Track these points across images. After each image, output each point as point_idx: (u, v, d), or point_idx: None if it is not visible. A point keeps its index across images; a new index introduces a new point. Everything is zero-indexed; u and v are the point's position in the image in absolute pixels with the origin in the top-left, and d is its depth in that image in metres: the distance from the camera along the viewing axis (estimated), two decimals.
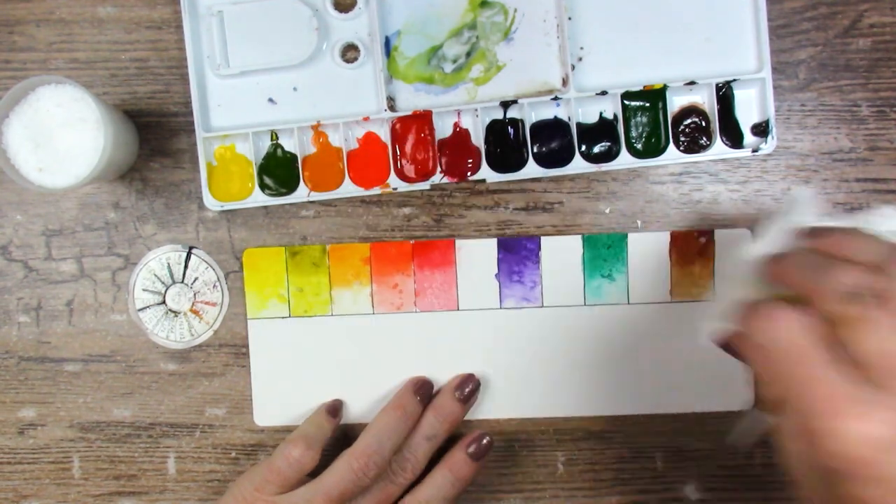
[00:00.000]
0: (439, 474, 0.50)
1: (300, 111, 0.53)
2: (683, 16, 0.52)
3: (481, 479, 0.54)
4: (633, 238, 0.53)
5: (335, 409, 0.53)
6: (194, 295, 0.54)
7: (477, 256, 0.53)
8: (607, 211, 0.53)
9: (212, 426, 0.54)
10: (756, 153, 0.52)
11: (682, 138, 0.52)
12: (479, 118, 0.52)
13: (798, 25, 0.52)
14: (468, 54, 0.53)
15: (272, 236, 0.54)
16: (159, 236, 0.54)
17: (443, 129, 0.53)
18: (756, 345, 0.37)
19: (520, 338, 0.53)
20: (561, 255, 0.53)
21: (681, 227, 0.53)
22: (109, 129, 0.47)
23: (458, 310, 0.53)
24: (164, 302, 0.54)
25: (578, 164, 0.52)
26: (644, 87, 0.51)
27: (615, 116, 0.52)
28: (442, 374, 0.53)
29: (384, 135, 0.53)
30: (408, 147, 0.53)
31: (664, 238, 0.53)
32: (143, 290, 0.54)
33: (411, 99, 0.53)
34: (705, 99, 0.52)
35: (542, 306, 0.53)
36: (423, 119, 0.52)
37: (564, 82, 0.52)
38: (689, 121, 0.52)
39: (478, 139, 0.52)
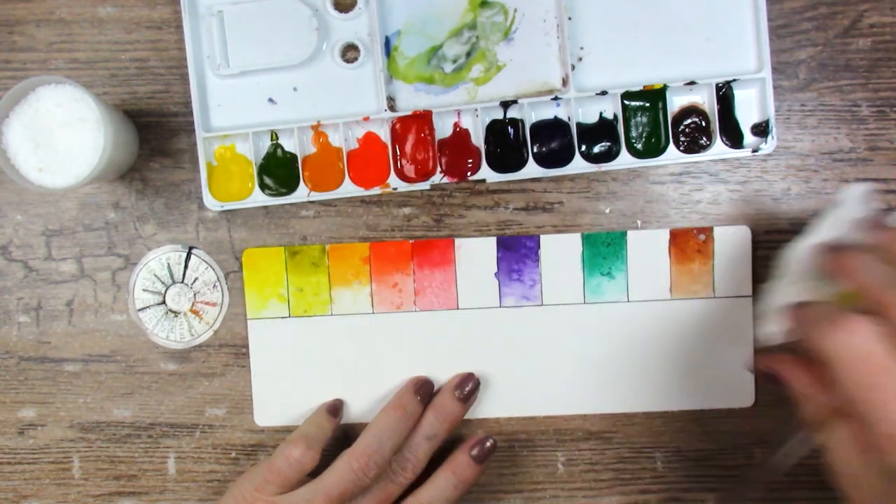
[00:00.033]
0: (442, 476, 0.50)
1: (300, 111, 0.53)
2: (683, 16, 0.52)
3: (481, 479, 0.54)
4: (632, 236, 0.53)
5: (335, 408, 0.53)
6: (194, 295, 0.54)
7: (476, 255, 0.53)
8: (607, 211, 0.53)
9: (212, 426, 0.54)
10: (756, 153, 0.52)
11: (682, 138, 0.52)
12: (479, 118, 0.52)
13: (798, 25, 0.52)
14: (468, 54, 0.53)
15: (272, 236, 0.54)
16: (159, 236, 0.54)
17: (443, 129, 0.53)
18: (824, 353, 0.37)
19: (519, 336, 0.53)
20: (560, 253, 0.53)
21: (680, 227, 0.53)
22: (109, 129, 0.47)
23: (457, 309, 0.53)
24: (164, 302, 0.54)
25: (578, 164, 0.52)
26: (644, 87, 0.51)
27: (615, 116, 0.52)
28: (442, 373, 0.53)
29: (384, 135, 0.53)
30: (408, 147, 0.53)
31: (664, 236, 0.53)
32: (143, 290, 0.54)
33: (411, 99, 0.53)
34: (705, 99, 0.52)
35: (542, 305, 0.53)
36: (423, 119, 0.52)
37: (564, 82, 0.52)
38: (689, 121, 0.52)
39: (478, 139, 0.52)
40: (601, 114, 0.52)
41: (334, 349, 0.54)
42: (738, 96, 0.52)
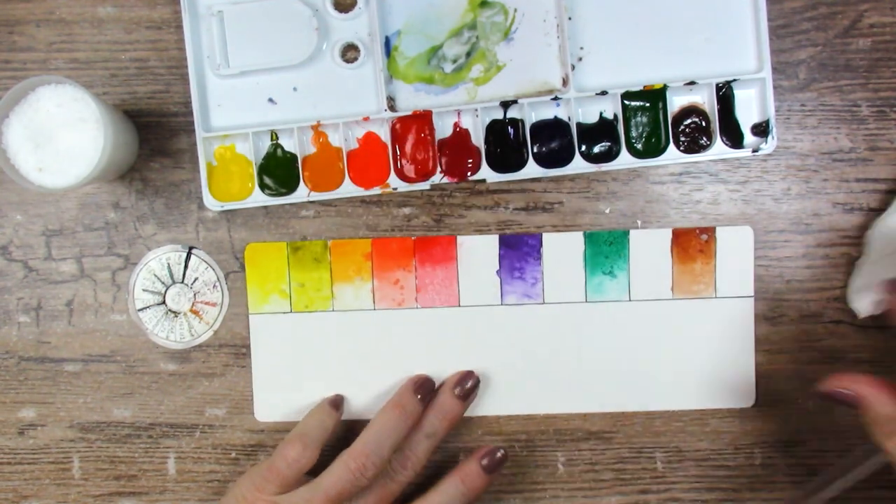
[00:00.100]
0: (451, 483, 0.50)
1: (300, 111, 0.53)
2: (683, 16, 0.52)
3: None
4: (634, 235, 0.53)
5: (337, 403, 0.53)
6: (194, 295, 0.54)
7: (478, 253, 0.53)
8: (607, 211, 0.53)
9: (212, 426, 0.54)
10: (756, 153, 0.52)
11: (682, 138, 0.52)
12: (479, 118, 0.52)
13: (798, 25, 0.52)
14: (468, 54, 0.53)
15: (272, 236, 0.54)
16: (159, 236, 0.54)
17: (443, 129, 0.53)
18: None
19: (521, 334, 0.53)
20: (562, 251, 0.53)
21: (681, 226, 0.53)
22: (109, 129, 0.47)
23: (459, 306, 0.53)
24: (164, 302, 0.54)
25: (578, 164, 0.52)
26: (644, 87, 0.51)
27: (615, 116, 0.52)
28: (443, 371, 0.53)
29: (384, 135, 0.53)
30: (408, 147, 0.53)
31: (666, 235, 0.53)
32: (143, 290, 0.54)
33: (411, 99, 0.53)
34: (705, 99, 0.52)
35: (544, 303, 0.53)
36: (423, 119, 0.52)
37: (564, 82, 0.52)
38: (689, 121, 0.52)
39: (478, 139, 0.52)
40: (601, 114, 0.52)
41: (335, 345, 0.54)
42: (738, 96, 0.52)
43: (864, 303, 0.51)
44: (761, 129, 0.52)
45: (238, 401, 0.54)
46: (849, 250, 0.53)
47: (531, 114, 0.52)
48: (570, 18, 0.52)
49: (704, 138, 0.52)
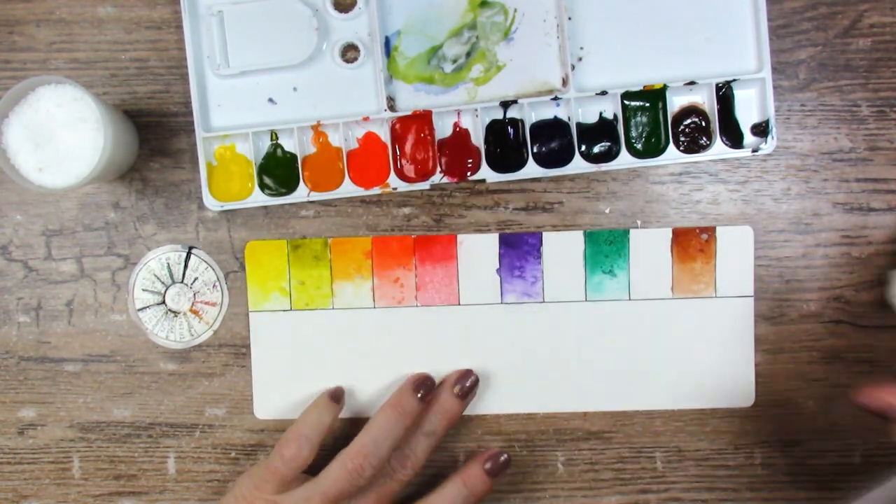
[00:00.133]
0: (453, 486, 0.50)
1: (300, 111, 0.53)
2: (683, 16, 0.52)
3: None
4: (634, 234, 0.53)
5: (338, 395, 0.53)
6: (194, 295, 0.54)
7: (478, 251, 0.53)
8: (607, 211, 0.53)
9: (212, 426, 0.54)
10: (756, 153, 0.52)
11: (682, 138, 0.52)
12: (479, 118, 0.52)
13: (798, 25, 0.52)
14: (468, 54, 0.53)
15: (272, 236, 0.54)
16: (159, 236, 0.54)
17: (443, 129, 0.53)
18: None
19: (520, 333, 0.53)
20: (562, 250, 0.53)
21: (681, 226, 0.53)
22: (109, 129, 0.47)
23: (458, 304, 0.53)
24: (163, 302, 0.54)
25: (578, 164, 0.52)
26: (644, 87, 0.51)
27: (615, 116, 0.52)
28: (442, 369, 0.53)
29: (384, 135, 0.53)
30: (408, 147, 0.53)
31: (666, 235, 0.53)
32: (143, 290, 0.54)
33: (411, 99, 0.53)
34: (705, 99, 0.52)
35: (544, 302, 0.53)
36: (422, 119, 0.52)
37: (564, 82, 0.52)
38: (689, 121, 0.52)
39: (478, 139, 0.52)
40: (601, 114, 0.52)
41: (335, 343, 0.54)
42: (738, 96, 0.52)
43: None
44: (761, 129, 0.52)
45: (238, 400, 0.54)
46: (849, 250, 0.53)
47: (531, 114, 0.52)
48: (570, 18, 0.52)
49: (704, 138, 0.52)
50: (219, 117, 0.53)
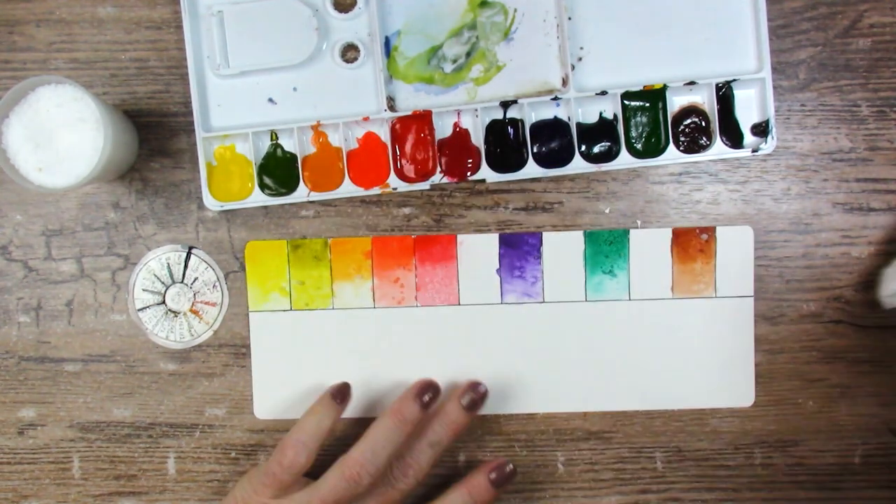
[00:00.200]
0: (457, 495, 0.50)
1: (300, 111, 0.53)
2: (683, 16, 0.52)
3: None
4: (634, 234, 0.53)
5: (342, 392, 0.51)
6: (194, 295, 0.54)
7: (478, 251, 0.53)
8: (607, 211, 0.53)
9: (212, 426, 0.54)
10: (756, 153, 0.52)
11: (682, 138, 0.52)
12: (479, 118, 0.52)
13: (798, 25, 0.52)
14: (468, 54, 0.53)
15: (272, 236, 0.54)
16: (159, 236, 0.54)
17: (443, 129, 0.53)
18: None
19: (520, 333, 0.53)
20: (562, 250, 0.53)
21: (681, 226, 0.53)
22: (109, 129, 0.47)
23: (458, 304, 0.53)
24: (163, 302, 0.54)
25: (578, 164, 0.52)
26: (644, 87, 0.51)
27: (615, 116, 0.52)
28: (442, 369, 0.53)
29: (384, 135, 0.53)
30: (408, 147, 0.53)
31: (666, 235, 0.53)
32: (143, 290, 0.54)
33: (411, 99, 0.53)
34: (705, 99, 0.52)
35: (543, 302, 0.53)
36: (422, 119, 0.52)
37: (564, 82, 0.52)
38: (689, 121, 0.52)
39: (478, 139, 0.52)
40: (601, 114, 0.52)
41: (335, 343, 0.54)
42: (738, 96, 0.52)
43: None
44: (761, 129, 0.52)
45: (238, 400, 0.54)
46: (849, 250, 0.53)
47: (531, 114, 0.52)
48: (570, 18, 0.52)
49: (704, 138, 0.52)
50: (219, 117, 0.53)
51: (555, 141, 0.52)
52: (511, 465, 0.51)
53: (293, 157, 0.53)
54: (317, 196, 0.53)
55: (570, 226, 0.53)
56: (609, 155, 0.52)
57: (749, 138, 0.52)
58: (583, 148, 0.52)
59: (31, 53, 0.54)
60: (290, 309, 0.54)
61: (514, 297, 0.53)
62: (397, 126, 0.52)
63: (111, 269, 0.54)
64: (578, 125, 0.52)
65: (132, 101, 0.54)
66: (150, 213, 0.54)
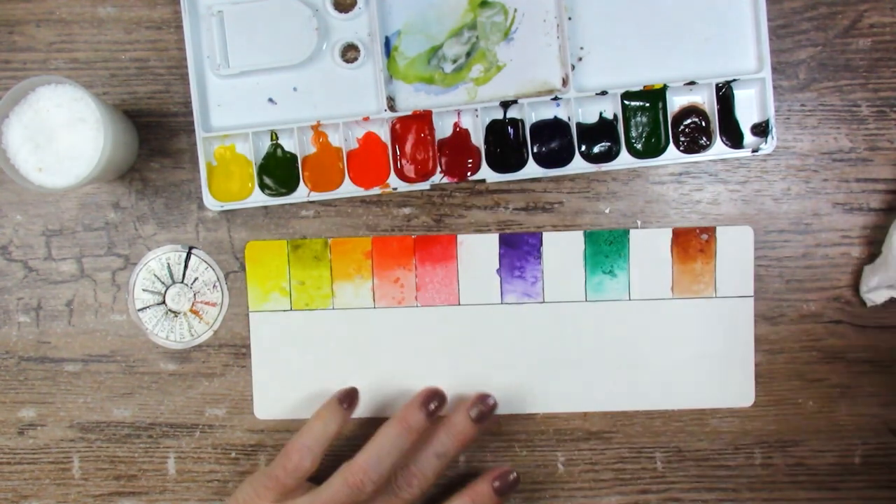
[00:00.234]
0: (460, 503, 0.50)
1: (300, 111, 0.53)
2: (683, 16, 0.52)
3: None
4: (634, 235, 0.53)
5: (350, 397, 0.51)
6: (194, 295, 0.54)
7: (478, 251, 0.53)
8: (607, 211, 0.53)
9: (212, 426, 0.54)
10: (756, 153, 0.52)
11: (682, 138, 0.52)
12: (479, 118, 0.52)
13: (798, 25, 0.52)
14: (468, 54, 0.53)
15: (272, 236, 0.54)
16: (159, 236, 0.54)
17: (443, 129, 0.53)
18: None
19: (520, 333, 0.53)
20: (562, 250, 0.53)
21: (681, 226, 0.53)
22: (109, 129, 0.47)
23: (458, 305, 0.53)
24: (164, 302, 0.54)
25: (578, 164, 0.52)
26: (644, 87, 0.51)
27: (615, 116, 0.52)
28: (442, 369, 0.53)
29: (384, 135, 0.53)
30: (408, 147, 0.53)
31: (666, 235, 0.53)
32: (143, 290, 0.54)
33: (411, 99, 0.53)
34: (705, 99, 0.52)
35: (543, 302, 0.53)
36: (422, 119, 0.52)
37: (564, 82, 0.52)
38: (689, 121, 0.52)
39: (478, 139, 0.52)
40: (601, 114, 0.52)
41: (335, 343, 0.54)
42: (738, 96, 0.52)
43: (879, 298, 0.52)
44: (761, 129, 0.52)
45: (238, 400, 0.54)
46: (849, 250, 0.53)
47: (531, 114, 0.52)
48: (570, 18, 0.52)
49: (704, 138, 0.52)
50: (219, 117, 0.53)
51: (555, 141, 0.52)
52: (515, 474, 0.50)
53: (293, 157, 0.53)
54: (317, 196, 0.53)
55: (570, 226, 0.53)
56: (609, 155, 0.52)
57: (749, 138, 0.52)
58: (583, 148, 0.52)
59: (31, 53, 0.54)
60: (291, 309, 0.54)
61: (514, 298, 0.53)
62: (397, 126, 0.52)
63: (111, 270, 0.54)
64: (578, 125, 0.52)
65: (132, 101, 0.54)
66: (150, 213, 0.54)
